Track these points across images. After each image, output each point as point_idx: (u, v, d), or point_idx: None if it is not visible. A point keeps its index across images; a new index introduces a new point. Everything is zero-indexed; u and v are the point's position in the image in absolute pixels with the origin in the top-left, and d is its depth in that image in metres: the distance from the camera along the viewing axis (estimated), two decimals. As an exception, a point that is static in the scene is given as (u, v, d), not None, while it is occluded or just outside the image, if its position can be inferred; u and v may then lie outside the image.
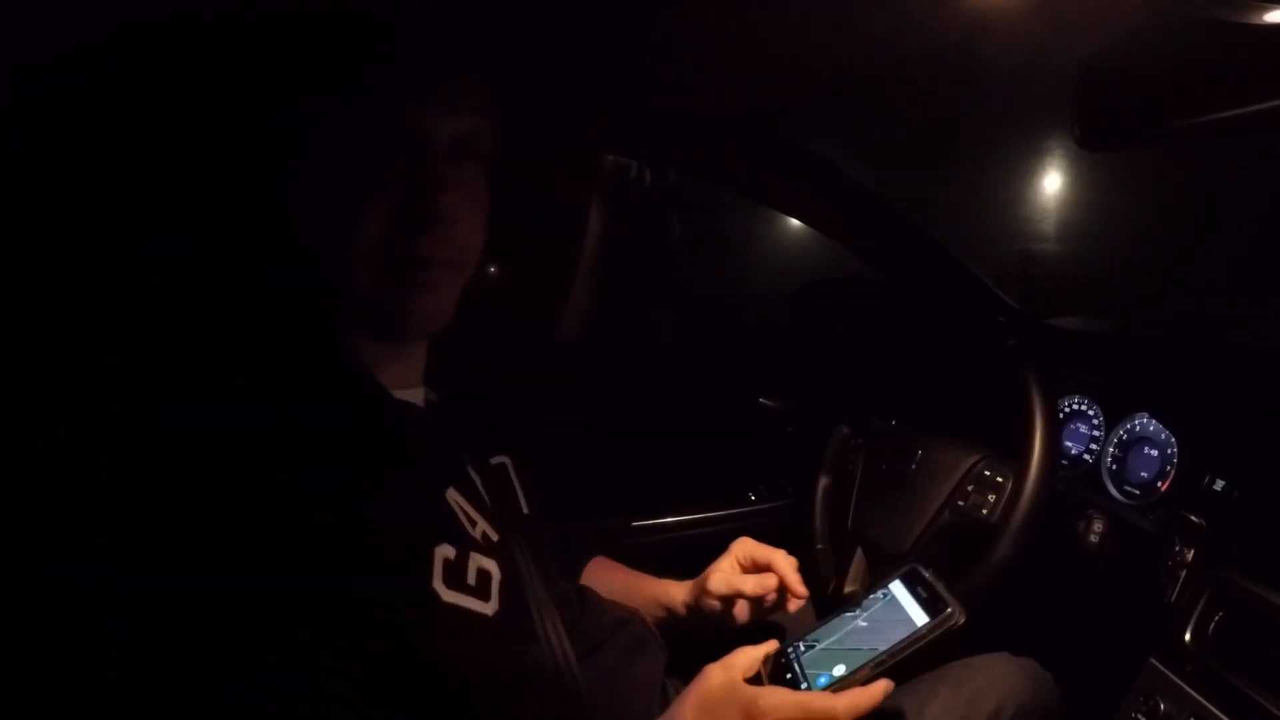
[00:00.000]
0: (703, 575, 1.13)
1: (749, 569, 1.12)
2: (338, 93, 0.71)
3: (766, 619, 1.17)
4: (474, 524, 0.78)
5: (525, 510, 0.95)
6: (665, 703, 1.04)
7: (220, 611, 0.59)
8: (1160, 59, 0.84)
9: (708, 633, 1.16)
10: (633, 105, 1.22)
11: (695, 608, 1.13)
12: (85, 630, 0.59)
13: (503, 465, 0.95)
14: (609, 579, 1.13)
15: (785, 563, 1.09)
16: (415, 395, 0.85)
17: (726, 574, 1.11)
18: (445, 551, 0.71)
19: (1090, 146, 0.96)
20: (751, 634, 1.21)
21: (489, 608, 0.74)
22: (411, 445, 0.77)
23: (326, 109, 0.71)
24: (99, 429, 0.64)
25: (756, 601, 1.10)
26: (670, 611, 1.14)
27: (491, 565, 0.76)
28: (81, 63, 0.68)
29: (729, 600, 1.11)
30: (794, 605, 1.09)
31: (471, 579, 0.73)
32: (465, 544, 0.74)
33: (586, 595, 1.03)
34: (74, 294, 0.75)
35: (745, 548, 1.12)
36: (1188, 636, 1.06)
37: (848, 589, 1.35)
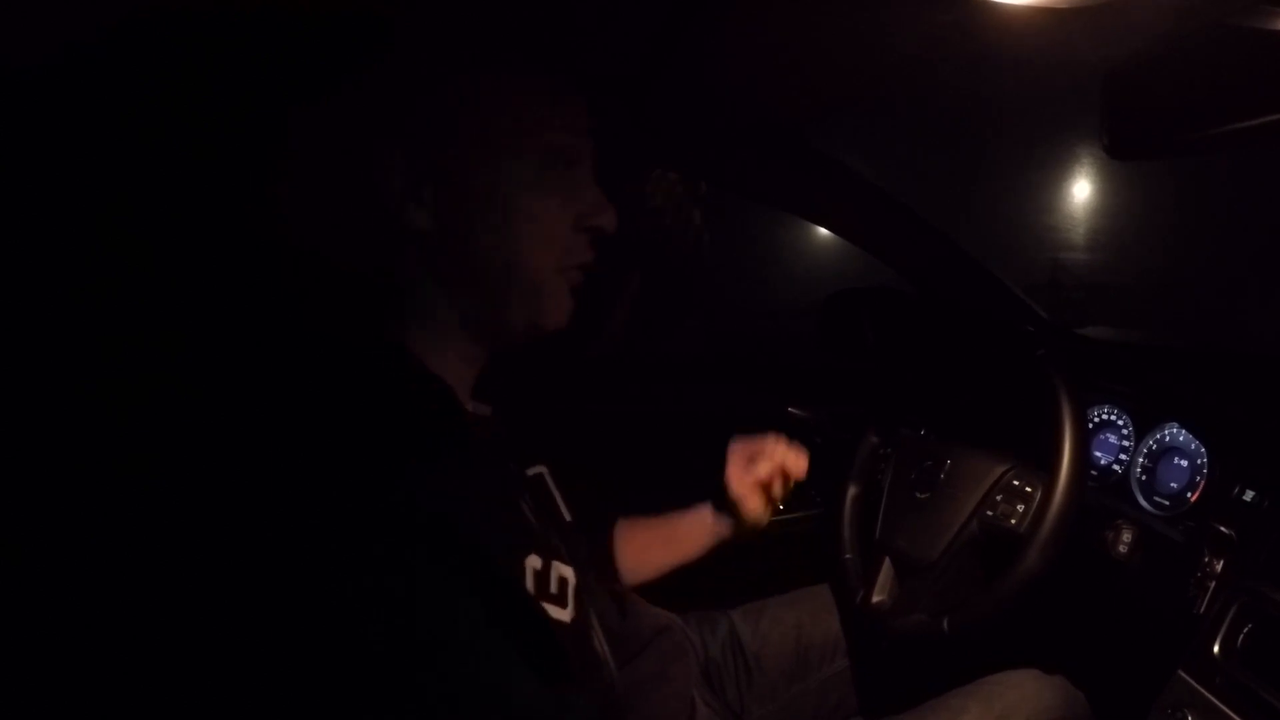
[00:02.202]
0: (722, 488, 1.22)
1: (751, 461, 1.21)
2: (337, 92, 0.71)
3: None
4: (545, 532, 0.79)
5: (568, 518, 0.95)
6: (693, 715, 1.05)
7: (227, 614, 0.58)
8: (1188, 67, 0.84)
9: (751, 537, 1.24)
10: (661, 114, 1.24)
11: (733, 520, 1.22)
12: (85, 630, 0.59)
13: (540, 475, 0.95)
14: (649, 537, 1.23)
15: (774, 443, 1.21)
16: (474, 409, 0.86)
17: (739, 475, 1.21)
18: (534, 562, 0.72)
19: (1119, 155, 0.96)
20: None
21: (567, 614, 0.74)
22: (487, 456, 0.78)
23: (327, 109, 0.72)
24: (99, 429, 0.64)
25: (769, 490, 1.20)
26: (718, 537, 1.23)
27: (569, 572, 0.76)
28: (81, 63, 0.69)
29: (754, 494, 1.20)
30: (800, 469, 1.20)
31: (554, 587, 0.74)
32: (548, 552, 0.75)
33: (626, 600, 1.04)
34: (74, 294, 0.74)
35: (739, 447, 1.24)
36: (1217, 648, 1.06)
37: (875, 599, 1.35)
